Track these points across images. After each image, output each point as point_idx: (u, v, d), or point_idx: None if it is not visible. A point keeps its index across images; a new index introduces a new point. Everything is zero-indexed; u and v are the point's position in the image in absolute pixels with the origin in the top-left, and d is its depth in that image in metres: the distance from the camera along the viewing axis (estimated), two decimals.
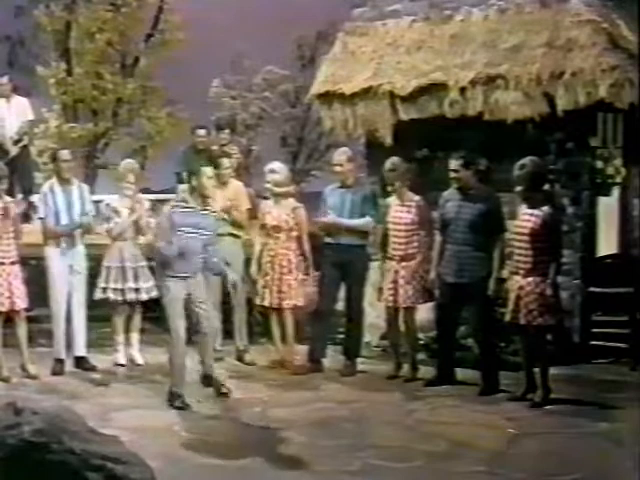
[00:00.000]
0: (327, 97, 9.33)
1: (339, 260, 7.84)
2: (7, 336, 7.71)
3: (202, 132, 10.38)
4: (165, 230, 6.77)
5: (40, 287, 7.90)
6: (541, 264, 6.71)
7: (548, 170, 7.48)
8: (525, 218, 6.80)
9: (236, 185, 8.45)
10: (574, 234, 8.31)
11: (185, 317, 6.83)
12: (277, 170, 8.20)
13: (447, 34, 8.95)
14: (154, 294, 7.75)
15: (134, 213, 8.10)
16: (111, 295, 8.07)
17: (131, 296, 8.08)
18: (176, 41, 18.60)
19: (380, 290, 7.76)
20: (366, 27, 9.53)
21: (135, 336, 8.26)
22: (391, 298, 7.65)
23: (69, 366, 7.91)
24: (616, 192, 8.79)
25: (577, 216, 8.39)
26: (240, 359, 8.31)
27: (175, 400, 6.69)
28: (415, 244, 7.62)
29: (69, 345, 7.95)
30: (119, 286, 8.05)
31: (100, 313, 8.46)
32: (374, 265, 8.01)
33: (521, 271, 6.78)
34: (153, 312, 8.10)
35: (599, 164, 8.40)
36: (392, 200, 7.74)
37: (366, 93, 9.04)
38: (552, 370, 6.90)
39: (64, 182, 7.91)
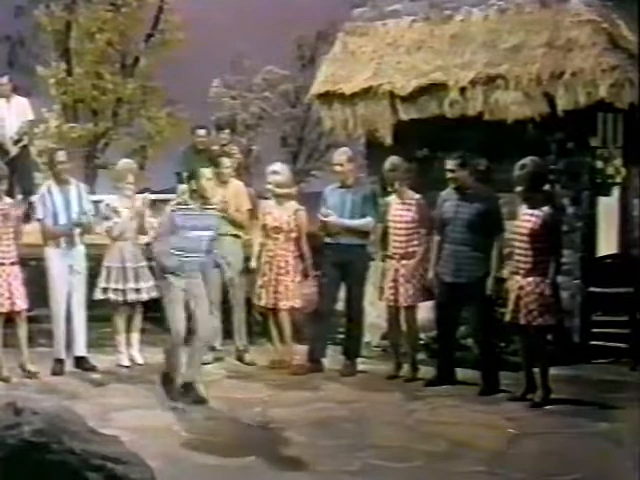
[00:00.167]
0: (327, 97, 9.32)
1: (339, 260, 7.84)
2: (7, 336, 7.72)
3: (202, 132, 10.37)
4: (165, 235, 6.75)
5: (40, 287, 7.89)
6: (541, 264, 6.71)
7: (548, 170, 7.48)
8: (525, 218, 6.80)
9: (237, 185, 8.44)
10: (574, 234, 8.30)
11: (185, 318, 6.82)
12: (279, 171, 8.20)
13: (447, 34, 8.95)
14: (155, 294, 7.74)
15: (135, 213, 8.09)
16: (112, 295, 8.07)
17: (132, 296, 8.08)
18: (176, 41, 18.63)
19: (381, 289, 7.76)
20: (366, 27, 9.53)
21: (135, 336, 8.26)
22: (392, 297, 7.65)
23: (69, 366, 7.91)
24: (616, 192, 8.79)
25: (577, 216, 8.38)
26: (240, 359, 8.31)
27: (169, 383, 6.69)
28: (415, 242, 7.62)
29: (69, 345, 7.95)
30: (120, 286, 8.04)
31: (100, 313, 8.46)
32: (375, 264, 8.01)
33: (521, 271, 6.78)
34: (153, 312, 8.10)
35: (599, 164, 8.40)
36: (392, 199, 7.74)
37: (366, 93, 9.03)
38: (552, 370, 6.90)
39: (62, 182, 7.90)
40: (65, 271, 7.81)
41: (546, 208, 6.79)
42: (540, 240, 6.72)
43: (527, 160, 6.83)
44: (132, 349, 8.21)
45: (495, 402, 6.90)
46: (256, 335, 9.02)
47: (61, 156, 7.95)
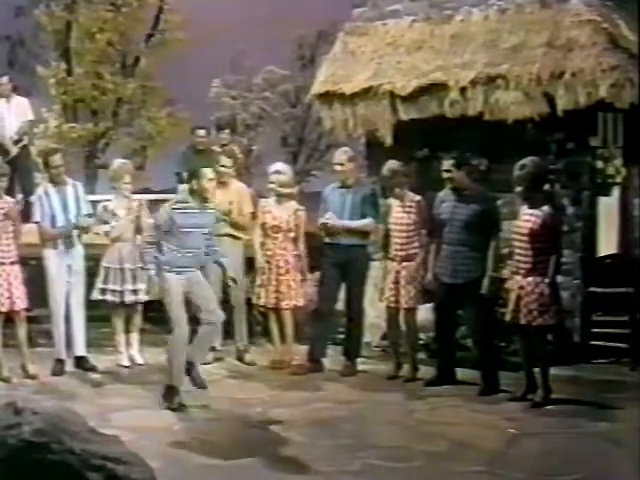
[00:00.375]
0: (327, 97, 9.32)
1: (339, 260, 7.84)
2: (7, 336, 7.72)
3: (202, 132, 10.37)
4: (163, 233, 6.74)
5: (40, 287, 7.89)
6: (541, 264, 6.71)
7: (548, 170, 7.48)
8: (525, 218, 6.80)
9: (239, 187, 8.41)
10: (574, 234, 8.31)
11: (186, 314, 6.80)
12: (282, 171, 8.21)
13: (447, 34, 8.96)
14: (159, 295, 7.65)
15: (132, 213, 8.08)
16: (109, 297, 8.06)
17: (130, 298, 8.06)
18: (176, 41, 18.64)
19: (381, 290, 7.76)
20: (366, 27, 9.53)
21: (135, 336, 8.25)
22: (393, 299, 7.65)
23: (69, 366, 7.91)
24: (616, 192, 8.79)
25: (577, 216, 8.39)
26: (240, 359, 8.31)
27: (172, 397, 6.63)
28: (416, 244, 7.62)
29: (69, 345, 7.95)
30: (117, 287, 8.04)
31: (100, 313, 8.45)
32: (375, 265, 8.01)
33: (521, 271, 6.78)
34: (153, 312, 8.09)
35: (599, 164, 8.40)
36: (393, 201, 7.74)
37: (366, 93, 9.03)
38: (552, 370, 6.89)
39: (58, 183, 7.89)
40: (64, 271, 7.80)
41: (546, 208, 6.79)
42: (540, 240, 6.72)
43: (527, 160, 6.83)
44: (132, 349, 8.21)
45: (495, 402, 6.90)
46: (256, 335, 9.02)
47: (56, 160, 7.92)
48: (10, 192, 8.52)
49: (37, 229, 7.89)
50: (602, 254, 8.65)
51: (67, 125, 17.81)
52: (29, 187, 9.80)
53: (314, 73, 11.17)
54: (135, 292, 8.05)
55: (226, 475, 5.31)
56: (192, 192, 6.85)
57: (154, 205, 8.61)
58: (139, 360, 8.15)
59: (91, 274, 8.08)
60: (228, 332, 8.39)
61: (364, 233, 7.91)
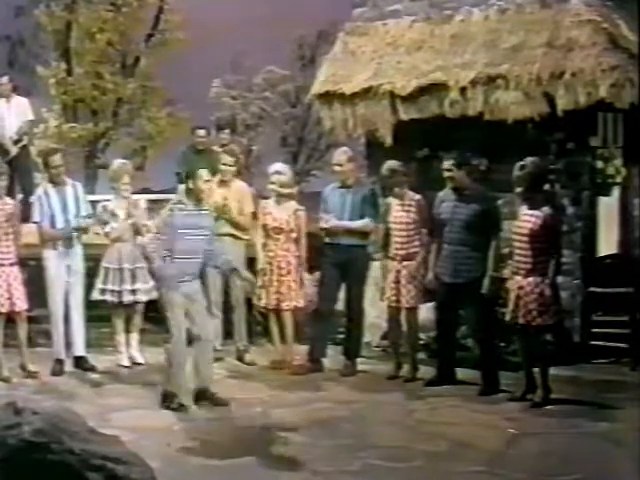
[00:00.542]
0: (327, 97, 9.33)
1: (339, 260, 7.83)
2: (7, 336, 7.72)
3: (202, 132, 10.36)
4: (163, 240, 6.72)
5: (39, 287, 7.89)
6: (541, 264, 6.71)
7: (548, 170, 7.48)
8: (525, 218, 6.79)
9: (240, 186, 8.40)
10: (574, 234, 8.31)
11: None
12: (282, 171, 8.21)
13: (447, 34, 8.96)
14: (154, 295, 7.64)
15: (131, 215, 8.07)
16: (108, 297, 8.06)
17: (128, 298, 8.06)
18: (176, 41, 18.64)
19: (382, 290, 7.76)
20: (366, 27, 9.54)
21: (135, 336, 8.24)
22: (394, 298, 7.65)
23: (69, 366, 7.91)
24: (616, 192, 8.79)
25: (577, 216, 8.39)
26: (240, 359, 8.31)
27: (170, 401, 6.63)
28: (416, 243, 7.62)
29: (68, 345, 7.95)
30: (116, 288, 8.04)
31: (99, 313, 8.46)
32: (376, 265, 8.01)
33: (521, 271, 6.78)
34: (153, 312, 8.08)
35: (599, 164, 8.40)
36: (392, 200, 7.74)
37: (366, 93, 9.04)
38: (552, 370, 6.89)
39: (58, 184, 7.89)
40: (63, 271, 7.80)
41: (546, 208, 6.78)
42: (540, 240, 6.72)
43: (527, 161, 6.83)
44: (132, 349, 8.20)
45: (495, 402, 6.90)
46: (256, 335, 9.02)
47: (56, 160, 7.91)
48: (10, 192, 8.52)
49: (37, 229, 7.89)
50: (602, 254, 8.65)
51: (67, 125, 17.81)
52: (29, 187, 9.79)
53: (314, 73, 11.17)
54: (133, 292, 8.04)
55: (226, 475, 5.31)
56: (188, 192, 6.85)
57: (154, 205, 8.63)
58: (140, 360, 8.14)
59: (91, 274, 8.07)
60: (228, 332, 8.40)
61: (364, 233, 7.91)
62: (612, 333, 8.10)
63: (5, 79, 10.34)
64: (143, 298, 8.03)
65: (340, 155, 7.97)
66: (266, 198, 8.32)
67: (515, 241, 6.87)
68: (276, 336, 8.23)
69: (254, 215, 8.31)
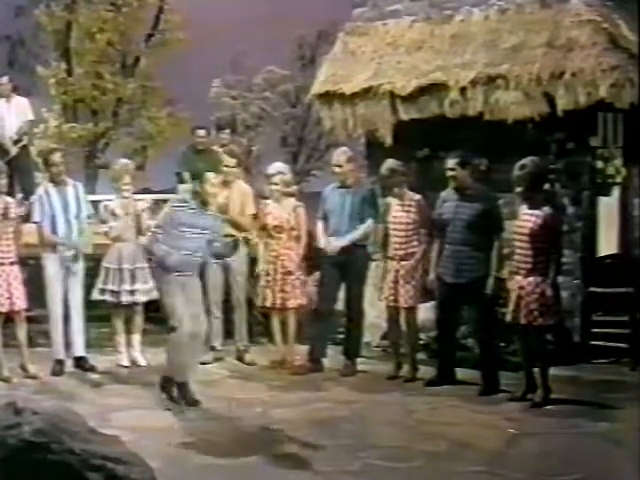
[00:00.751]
0: (327, 97, 9.32)
1: (339, 260, 7.83)
2: (7, 336, 7.72)
3: (202, 132, 10.36)
4: (165, 231, 6.73)
5: (39, 287, 7.88)
6: (541, 264, 6.71)
7: (548, 170, 7.48)
8: (525, 218, 6.79)
9: (242, 187, 8.38)
10: (574, 234, 8.31)
11: None
12: (284, 171, 8.26)
13: (447, 34, 8.96)
14: (153, 295, 7.64)
15: (130, 214, 8.07)
16: (108, 297, 8.05)
17: (127, 298, 8.04)
18: (176, 41, 18.63)
19: (381, 289, 7.76)
20: (366, 27, 9.54)
21: (136, 337, 8.23)
22: (392, 298, 7.64)
23: (69, 366, 7.91)
24: (616, 192, 8.79)
25: (577, 216, 8.39)
26: (240, 359, 8.31)
27: (169, 388, 6.64)
28: (415, 243, 7.61)
29: (69, 345, 7.95)
30: (115, 288, 8.03)
31: (100, 313, 8.46)
32: (375, 264, 8.00)
33: (522, 271, 6.77)
34: (153, 312, 8.08)
35: (599, 164, 8.40)
36: (392, 200, 7.73)
37: (366, 93, 9.04)
38: (552, 370, 6.89)
39: (59, 183, 7.89)
40: (62, 271, 7.79)
41: (546, 208, 6.78)
42: (540, 240, 6.71)
43: (527, 160, 6.83)
44: (133, 350, 8.18)
45: (495, 402, 6.89)
46: (256, 335, 9.02)
47: (57, 158, 7.93)
48: (10, 192, 8.52)
49: (36, 229, 7.88)
50: (602, 254, 8.65)
51: (67, 125, 17.80)
52: (29, 187, 9.80)
53: (314, 73, 11.17)
54: (132, 293, 8.02)
55: (226, 475, 5.31)
56: (194, 194, 6.83)
57: (154, 205, 8.63)
58: (141, 362, 8.12)
59: (91, 274, 8.07)
60: (228, 332, 8.40)
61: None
62: (612, 333, 8.10)
63: (5, 79, 10.35)
64: (142, 299, 8.02)
65: (340, 155, 7.97)
66: (266, 198, 8.33)
67: (515, 241, 6.87)
68: (278, 336, 8.24)
69: (255, 216, 8.31)
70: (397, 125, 8.94)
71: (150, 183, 15.95)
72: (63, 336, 7.88)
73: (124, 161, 8.78)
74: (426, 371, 7.65)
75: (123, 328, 8.19)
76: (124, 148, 17.96)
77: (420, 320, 7.82)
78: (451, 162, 7.31)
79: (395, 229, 7.66)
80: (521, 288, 6.75)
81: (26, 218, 7.98)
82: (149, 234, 7.26)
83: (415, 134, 8.87)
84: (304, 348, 8.11)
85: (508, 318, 6.87)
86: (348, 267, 7.84)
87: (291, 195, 8.24)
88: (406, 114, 8.87)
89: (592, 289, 8.29)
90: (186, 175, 9.72)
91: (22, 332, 7.69)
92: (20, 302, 7.60)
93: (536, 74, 8.15)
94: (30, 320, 7.90)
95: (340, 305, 8.08)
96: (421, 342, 8.05)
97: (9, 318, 7.66)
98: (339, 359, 8.05)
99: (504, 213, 7.45)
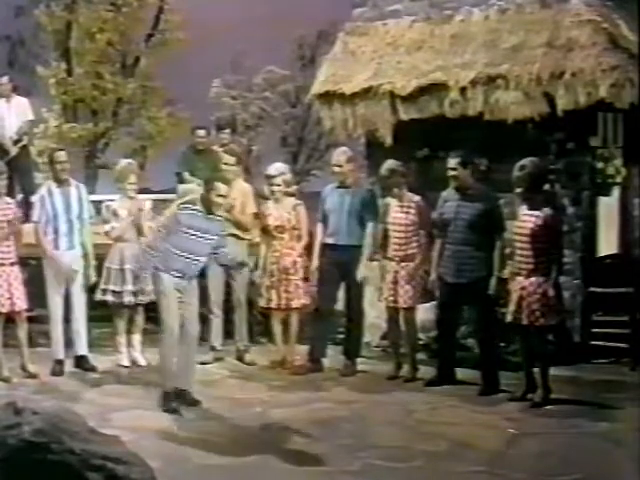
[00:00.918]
0: (327, 97, 9.33)
1: (339, 260, 7.83)
2: (7, 336, 7.72)
3: (202, 132, 10.34)
4: (168, 233, 6.69)
5: (40, 287, 7.88)
6: (542, 264, 6.71)
7: (548, 170, 7.48)
8: (525, 219, 6.79)
9: (243, 187, 8.37)
10: (574, 234, 8.31)
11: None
12: (285, 171, 8.28)
13: (447, 34, 8.96)
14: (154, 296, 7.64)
15: (132, 215, 8.06)
16: (110, 297, 8.05)
17: (129, 299, 8.03)
18: (176, 41, 18.63)
19: (380, 290, 7.76)
20: (366, 27, 9.54)
21: (137, 337, 8.23)
22: (391, 298, 7.64)
23: (69, 366, 7.91)
24: (616, 192, 8.79)
25: (577, 216, 8.39)
26: (240, 359, 8.31)
27: (168, 401, 6.60)
28: (415, 244, 7.61)
29: (69, 345, 7.95)
30: (117, 288, 8.02)
31: (101, 313, 8.46)
32: (374, 265, 8.00)
33: (523, 272, 6.77)
34: (154, 312, 8.08)
35: (599, 164, 8.40)
36: (391, 200, 7.73)
37: (366, 93, 9.04)
38: (552, 370, 6.89)
39: (62, 183, 7.89)
40: (62, 271, 7.79)
41: (546, 209, 6.78)
42: (541, 241, 6.71)
43: (526, 161, 6.82)
44: (134, 350, 8.18)
45: (495, 402, 6.89)
46: (257, 335, 9.02)
47: (61, 156, 7.94)
48: (10, 192, 8.52)
49: (34, 228, 7.86)
50: (602, 254, 8.65)
51: (67, 125, 17.80)
52: (29, 187, 9.80)
53: (314, 73, 11.17)
54: (134, 293, 8.01)
55: (226, 475, 5.31)
56: (203, 199, 6.78)
57: (154, 205, 8.62)
58: (142, 362, 8.11)
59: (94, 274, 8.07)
60: (228, 332, 8.40)
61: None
62: (612, 333, 8.10)
63: (5, 79, 10.34)
64: (144, 299, 8.02)
65: (339, 155, 7.97)
66: (266, 198, 8.32)
67: (516, 242, 6.87)
68: (279, 336, 8.24)
69: (256, 215, 8.31)
70: (397, 125, 8.95)
71: (150, 183, 15.94)
72: (63, 336, 7.88)
73: (128, 161, 8.78)
74: (426, 371, 7.65)
75: (125, 328, 8.18)
76: (124, 148, 17.96)
77: (420, 320, 7.83)
78: (452, 162, 7.30)
79: (394, 230, 7.66)
80: (523, 288, 6.74)
81: (26, 218, 7.98)
82: (152, 233, 7.25)
83: (415, 134, 8.87)
84: (304, 348, 8.12)
85: (509, 318, 6.86)
86: (348, 267, 7.83)
87: (291, 195, 8.24)
88: (406, 114, 8.87)
89: (592, 289, 8.29)
90: (186, 175, 9.75)
91: (23, 332, 7.69)
92: (21, 302, 7.60)
93: (536, 74, 8.15)
94: (30, 320, 7.90)
95: (340, 305, 8.08)
96: (421, 342, 8.05)
97: (10, 318, 7.66)
98: (339, 359, 8.05)
99: (505, 213, 7.45)
